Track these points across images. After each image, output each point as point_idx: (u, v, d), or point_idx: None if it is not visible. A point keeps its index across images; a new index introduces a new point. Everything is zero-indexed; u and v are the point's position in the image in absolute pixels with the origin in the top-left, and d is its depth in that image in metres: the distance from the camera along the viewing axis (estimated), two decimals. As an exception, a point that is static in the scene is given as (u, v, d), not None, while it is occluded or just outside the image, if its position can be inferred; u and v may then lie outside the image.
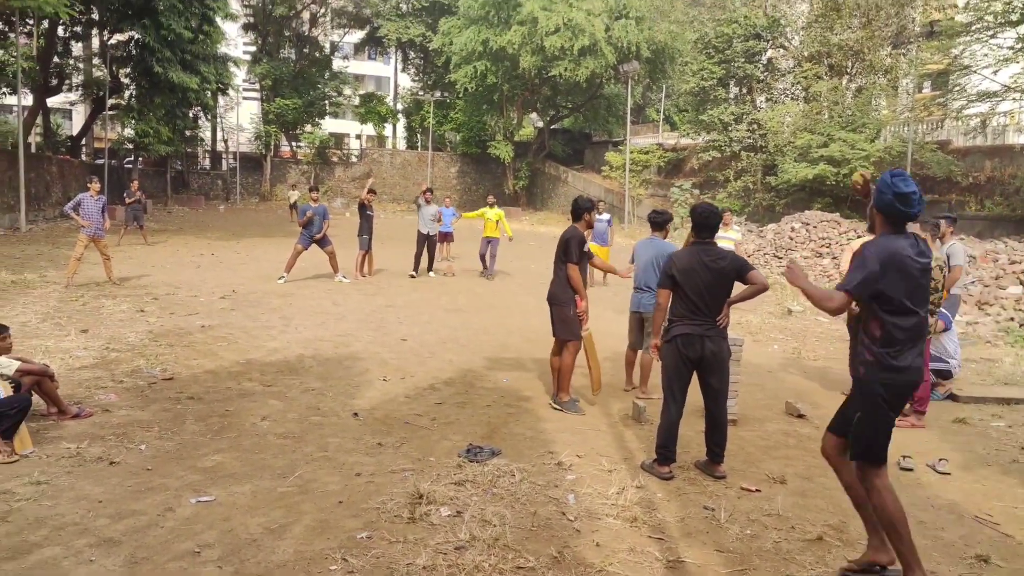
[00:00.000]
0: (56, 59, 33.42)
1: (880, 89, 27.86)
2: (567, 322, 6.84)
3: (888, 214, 3.83)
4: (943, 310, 7.86)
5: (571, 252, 6.76)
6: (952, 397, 7.83)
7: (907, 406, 7.10)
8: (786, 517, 4.68)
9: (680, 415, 5.40)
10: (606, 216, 15.59)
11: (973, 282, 13.64)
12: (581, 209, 6.97)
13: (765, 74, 31.19)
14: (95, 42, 37.23)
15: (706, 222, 5.41)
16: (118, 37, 34.47)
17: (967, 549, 4.36)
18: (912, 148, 22.11)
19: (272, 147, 46.22)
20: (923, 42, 25.89)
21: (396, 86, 56.56)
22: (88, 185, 13.20)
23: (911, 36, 27.26)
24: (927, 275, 3.91)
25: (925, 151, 22.55)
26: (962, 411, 7.38)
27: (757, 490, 5.10)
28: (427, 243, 16.13)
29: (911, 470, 5.64)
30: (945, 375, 7.93)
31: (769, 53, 31.37)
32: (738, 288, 5.42)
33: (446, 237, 17.12)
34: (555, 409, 6.88)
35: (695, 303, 5.26)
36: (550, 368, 7.22)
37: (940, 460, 5.73)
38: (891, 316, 3.80)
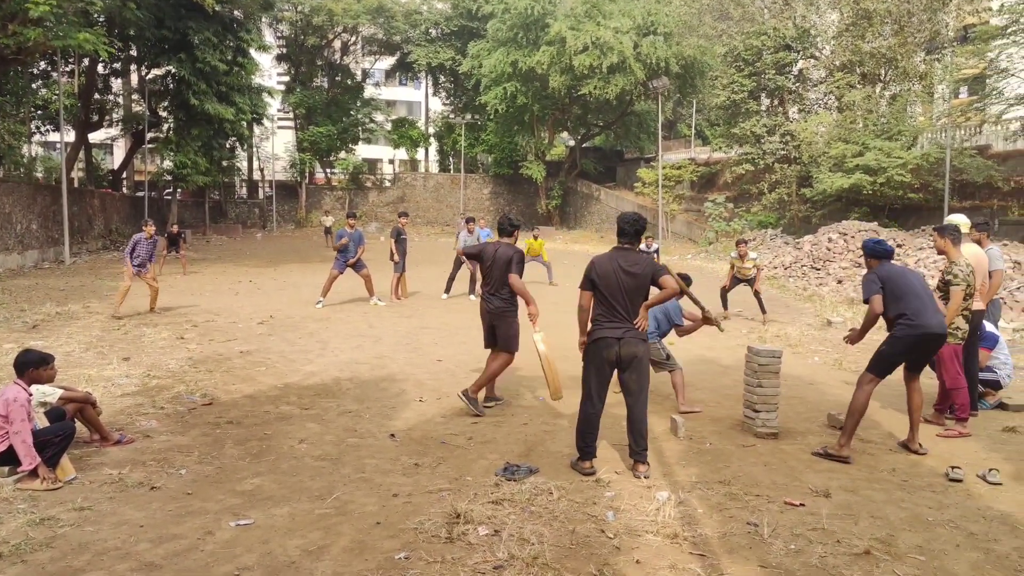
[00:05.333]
0: (96, 95, 34.37)
1: (915, 96, 27.47)
2: (514, 336, 7.25)
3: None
4: (987, 322, 7.69)
5: (514, 266, 7.15)
6: (1001, 406, 7.62)
7: (948, 415, 6.98)
8: (831, 531, 4.57)
9: (598, 413, 5.59)
10: (655, 246, 15.99)
11: (1020, 287, 13.32)
12: (514, 227, 7.46)
13: (796, 85, 30.94)
14: (134, 78, 38.25)
15: (626, 228, 5.61)
16: (155, 72, 35.39)
17: (1022, 561, 4.21)
18: (950, 154, 21.72)
19: (307, 174, 46.91)
20: (958, 47, 25.50)
21: (427, 110, 57.16)
22: (143, 227, 13.47)
23: (945, 41, 26.86)
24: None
25: (964, 157, 22.15)
26: (1012, 420, 7.17)
27: (801, 504, 4.99)
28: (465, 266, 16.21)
29: (960, 480, 5.47)
30: (994, 385, 7.72)
31: (800, 64, 31.12)
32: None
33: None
34: (461, 399, 7.19)
35: (613, 306, 5.45)
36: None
37: (991, 470, 5.56)
38: None
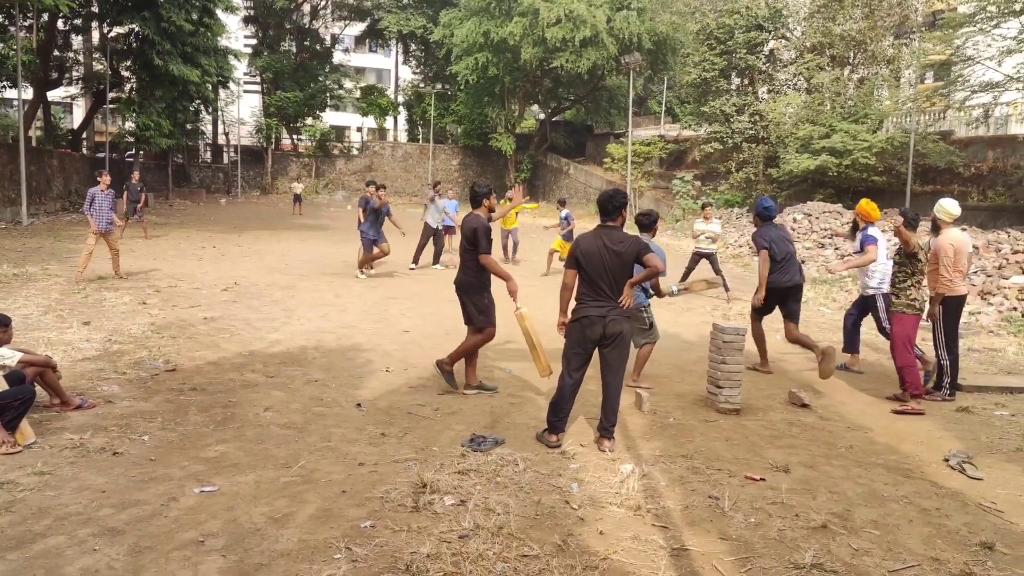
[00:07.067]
0: (56, 52, 33.37)
1: (882, 80, 27.75)
2: (484, 311, 6.85)
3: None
4: None
5: (480, 243, 6.72)
6: (956, 387, 7.79)
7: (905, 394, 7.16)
8: (790, 505, 4.68)
9: (576, 389, 5.63)
10: (564, 212, 16.17)
11: (976, 272, 13.62)
12: (479, 196, 6.98)
13: (767, 65, 31.07)
14: (95, 35, 37.15)
15: (606, 206, 5.56)
16: (118, 30, 34.38)
17: (971, 536, 4.35)
18: (914, 139, 22.03)
19: (273, 140, 46.18)
20: (925, 32, 25.77)
21: (397, 78, 56.48)
22: (98, 179, 13.12)
23: (913, 26, 27.12)
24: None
25: (927, 142, 22.48)
26: (965, 400, 7.36)
27: (761, 479, 5.09)
28: (434, 236, 16.29)
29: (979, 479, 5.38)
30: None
31: (771, 44, 31.25)
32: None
33: (449, 230, 17.20)
34: (437, 369, 7.01)
35: (597, 285, 5.41)
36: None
37: (952, 452, 5.66)
38: None
